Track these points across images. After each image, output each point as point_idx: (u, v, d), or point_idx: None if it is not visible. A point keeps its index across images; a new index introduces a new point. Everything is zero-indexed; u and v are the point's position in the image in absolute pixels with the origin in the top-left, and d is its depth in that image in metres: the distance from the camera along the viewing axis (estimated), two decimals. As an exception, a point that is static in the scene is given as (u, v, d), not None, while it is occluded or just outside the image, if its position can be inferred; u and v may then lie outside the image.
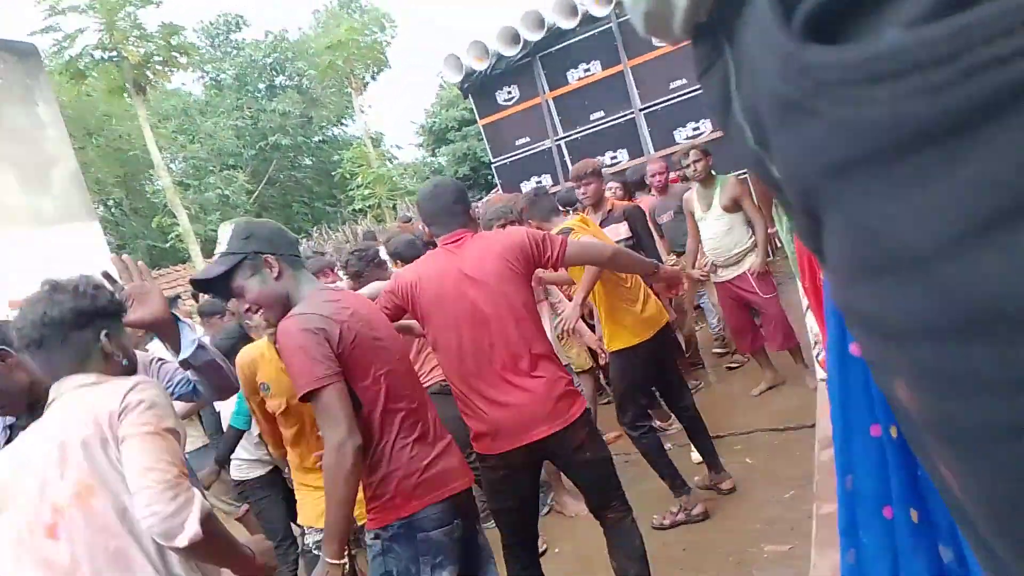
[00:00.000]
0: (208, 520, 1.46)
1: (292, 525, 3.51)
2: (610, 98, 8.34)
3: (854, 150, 0.30)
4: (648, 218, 4.68)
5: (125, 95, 16.35)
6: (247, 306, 2.04)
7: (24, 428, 2.00)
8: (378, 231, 12.32)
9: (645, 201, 5.36)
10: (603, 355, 3.80)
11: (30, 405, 2.00)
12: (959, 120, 0.26)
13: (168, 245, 19.40)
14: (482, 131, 9.46)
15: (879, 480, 0.97)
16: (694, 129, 7.97)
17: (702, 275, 4.75)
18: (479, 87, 8.97)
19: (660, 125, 8.16)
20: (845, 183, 0.31)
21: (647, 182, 5.57)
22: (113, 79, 15.81)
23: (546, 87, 8.64)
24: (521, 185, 8.70)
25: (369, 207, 20.91)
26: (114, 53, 15.16)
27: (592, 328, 4.06)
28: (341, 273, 4.24)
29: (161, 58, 15.71)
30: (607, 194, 4.50)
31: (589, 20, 8.14)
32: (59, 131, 7.91)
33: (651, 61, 8.01)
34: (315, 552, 2.71)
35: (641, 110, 8.23)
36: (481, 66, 8.67)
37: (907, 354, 0.32)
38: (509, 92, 8.86)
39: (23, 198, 7.24)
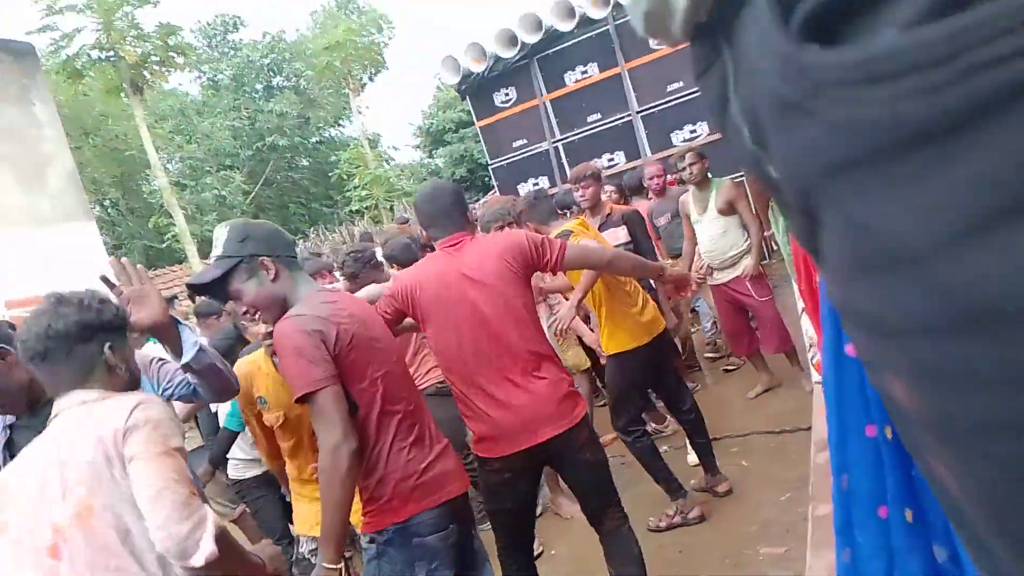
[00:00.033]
0: (221, 536, 1.47)
1: (289, 525, 3.51)
2: (607, 100, 8.35)
3: (852, 150, 0.30)
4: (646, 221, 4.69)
5: (122, 95, 16.30)
6: (244, 309, 2.03)
7: (24, 427, 1.99)
8: (375, 232, 12.33)
9: (642, 205, 5.37)
10: (602, 357, 3.80)
11: (30, 404, 2.00)
12: (957, 120, 0.26)
13: (164, 245, 19.34)
14: (479, 133, 9.47)
15: (874, 480, 0.97)
16: (691, 131, 7.99)
17: (699, 278, 4.75)
18: (476, 89, 8.98)
19: (657, 127, 8.18)
20: (843, 182, 0.32)
21: (645, 185, 5.58)
22: (110, 79, 15.77)
23: (543, 89, 8.65)
24: (518, 187, 8.72)
25: (366, 208, 20.89)
26: (111, 53, 15.12)
27: (591, 330, 4.06)
28: (338, 274, 4.24)
29: (158, 58, 15.68)
30: (603, 198, 4.51)
31: (586, 22, 8.16)
32: (56, 130, 7.89)
33: (648, 64, 8.03)
34: (309, 559, 2.69)
35: (638, 112, 8.25)
36: (479, 68, 8.68)
37: (906, 352, 0.32)
38: (506, 94, 8.87)
39: (19, 197, 7.22)
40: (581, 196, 4.18)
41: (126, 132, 20.99)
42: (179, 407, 3.78)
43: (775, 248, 5.93)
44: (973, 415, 0.30)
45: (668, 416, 4.10)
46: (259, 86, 27.65)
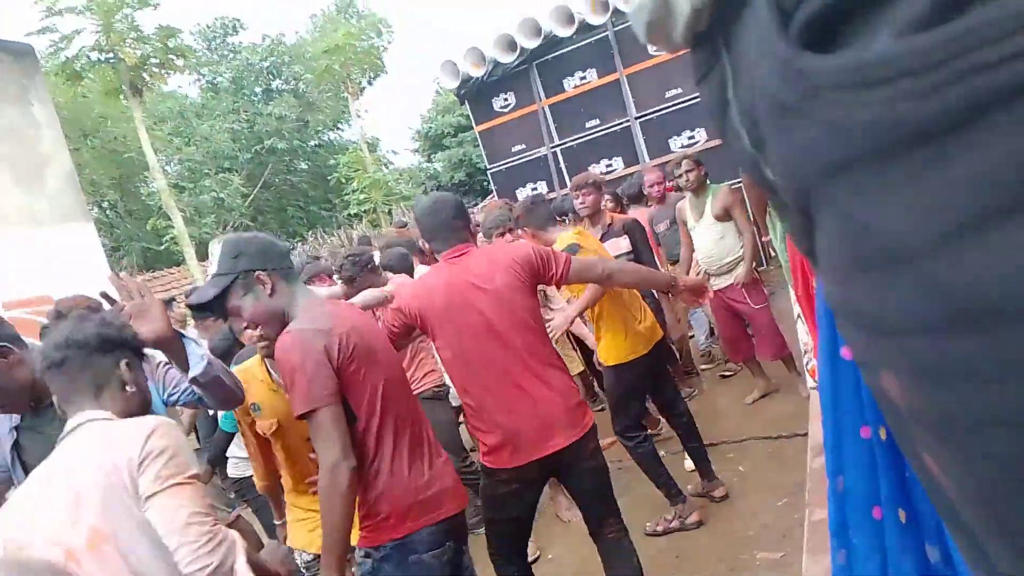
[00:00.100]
0: (248, 555, 1.48)
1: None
2: (606, 106, 8.37)
3: (851, 150, 0.31)
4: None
5: (121, 97, 16.27)
6: (245, 324, 2.01)
7: (28, 429, 1.98)
8: (373, 236, 12.33)
9: (641, 213, 5.37)
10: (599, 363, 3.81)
11: (33, 404, 1.99)
12: (956, 119, 0.27)
13: (163, 248, 19.30)
14: (478, 137, 9.48)
15: (868, 481, 0.98)
16: (689, 138, 8.01)
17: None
18: (475, 93, 9.00)
19: (655, 133, 8.20)
20: (843, 182, 0.32)
21: (645, 192, 5.58)
22: (109, 81, 15.74)
23: (542, 94, 8.67)
24: (517, 192, 8.72)
25: (364, 212, 20.87)
26: (111, 55, 15.10)
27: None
28: (335, 278, 4.24)
29: (158, 60, 15.66)
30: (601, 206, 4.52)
31: (585, 28, 8.18)
32: (54, 131, 7.89)
33: (647, 70, 8.05)
34: (305, 574, 2.65)
35: (637, 118, 8.27)
36: (478, 72, 8.70)
37: (905, 352, 0.33)
38: (505, 99, 8.89)
39: (18, 198, 7.22)
40: (581, 203, 4.19)
41: (125, 134, 20.95)
42: (184, 413, 3.78)
43: (772, 254, 5.94)
44: (973, 414, 0.30)
45: (661, 419, 4.11)
46: (258, 89, 27.64)
